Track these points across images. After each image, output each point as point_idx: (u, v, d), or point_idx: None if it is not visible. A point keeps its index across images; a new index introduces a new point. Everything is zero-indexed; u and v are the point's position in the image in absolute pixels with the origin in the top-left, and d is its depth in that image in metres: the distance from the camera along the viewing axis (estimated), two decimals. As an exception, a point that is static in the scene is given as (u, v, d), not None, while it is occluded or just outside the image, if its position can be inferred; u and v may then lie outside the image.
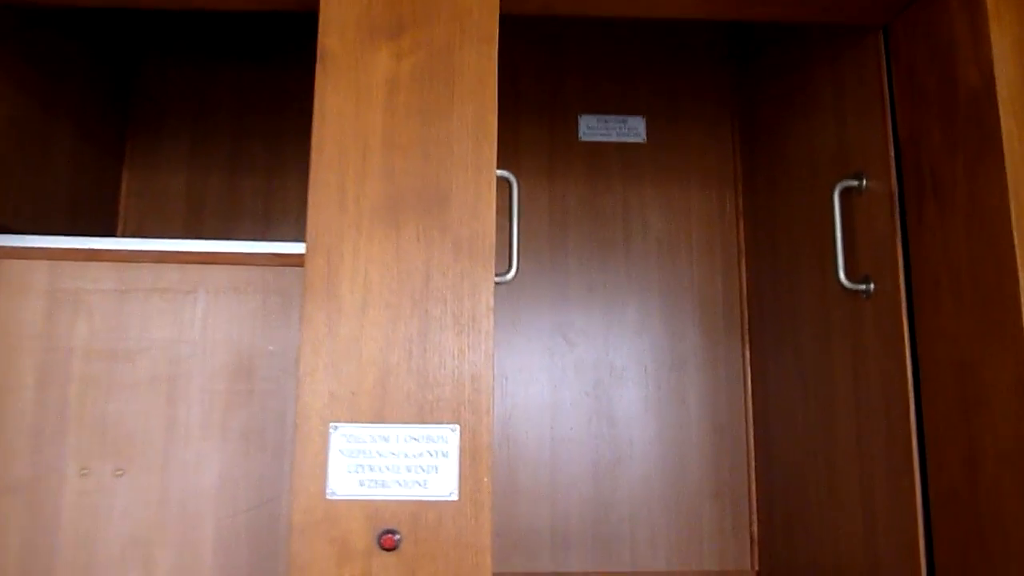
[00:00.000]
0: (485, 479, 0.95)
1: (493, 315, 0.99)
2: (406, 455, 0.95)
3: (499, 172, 1.10)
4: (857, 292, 1.34)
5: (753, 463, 1.86)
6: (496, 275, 1.00)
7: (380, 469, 0.95)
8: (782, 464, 1.71)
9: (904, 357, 1.20)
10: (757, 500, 1.84)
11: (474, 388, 0.97)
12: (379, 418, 0.95)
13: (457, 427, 0.95)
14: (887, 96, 1.29)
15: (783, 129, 1.70)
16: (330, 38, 1.03)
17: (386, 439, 0.95)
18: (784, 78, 1.69)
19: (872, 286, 1.31)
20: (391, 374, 0.97)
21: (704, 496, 1.84)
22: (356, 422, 0.95)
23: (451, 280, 0.99)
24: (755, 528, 1.83)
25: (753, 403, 1.87)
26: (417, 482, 0.95)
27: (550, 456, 1.81)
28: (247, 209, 1.95)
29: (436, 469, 0.95)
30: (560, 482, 1.81)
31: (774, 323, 1.76)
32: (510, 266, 1.27)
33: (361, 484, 0.94)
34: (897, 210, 1.24)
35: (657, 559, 1.80)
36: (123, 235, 1.93)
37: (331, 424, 0.95)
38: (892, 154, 1.26)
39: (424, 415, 0.96)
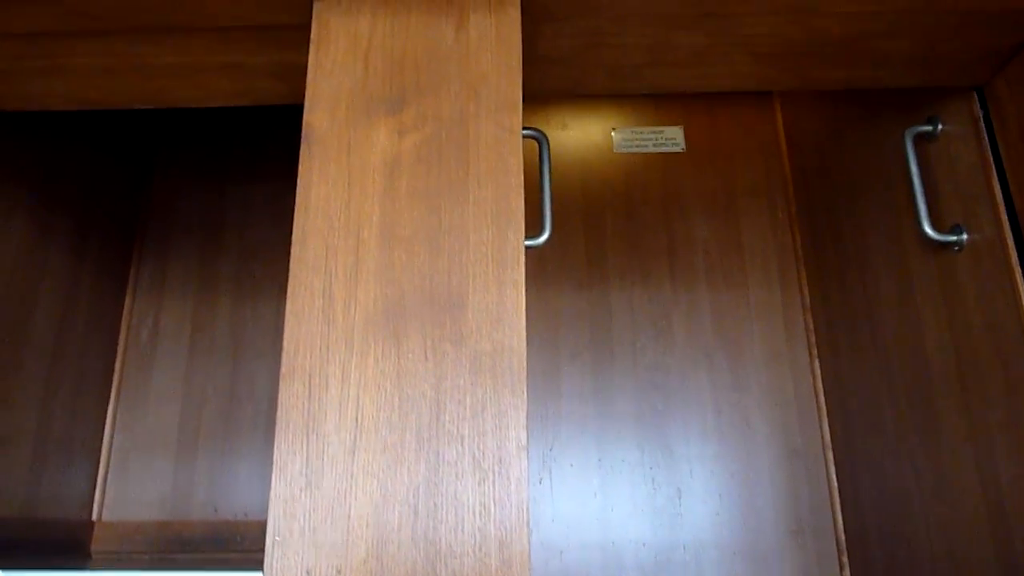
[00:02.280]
0: None
1: (527, 455, 0.74)
2: (410, 660, 0.68)
3: (526, 131, 0.94)
4: (947, 244, 1.15)
5: (836, 489, 1.57)
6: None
7: None
8: (873, 483, 1.40)
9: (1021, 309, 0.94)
10: (846, 533, 1.53)
11: (503, 559, 0.70)
12: (373, 606, 0.69)
13: (481, 617, 0.68)
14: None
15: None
16: (317, 115, 0.85)
17: (382, 637, 0.68)
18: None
19: (964, 236, 1.12)
20: (389, 541, 0.71)
21: (781, 533, 1.56)
22: (342, 612, 0.69)
23: (469, 410, 0.75)
24: (847, 573, 1.52)
25: (829, 420, 1.61)
26: None
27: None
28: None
29: None
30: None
31: (843, 317, 1.54)
32: (542, 228, 1.11)
33: None
34: (987, 143, 1.06)
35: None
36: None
37: (307, 616, 0.69)
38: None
39: (435, 600, 0.69)
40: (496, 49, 0.88)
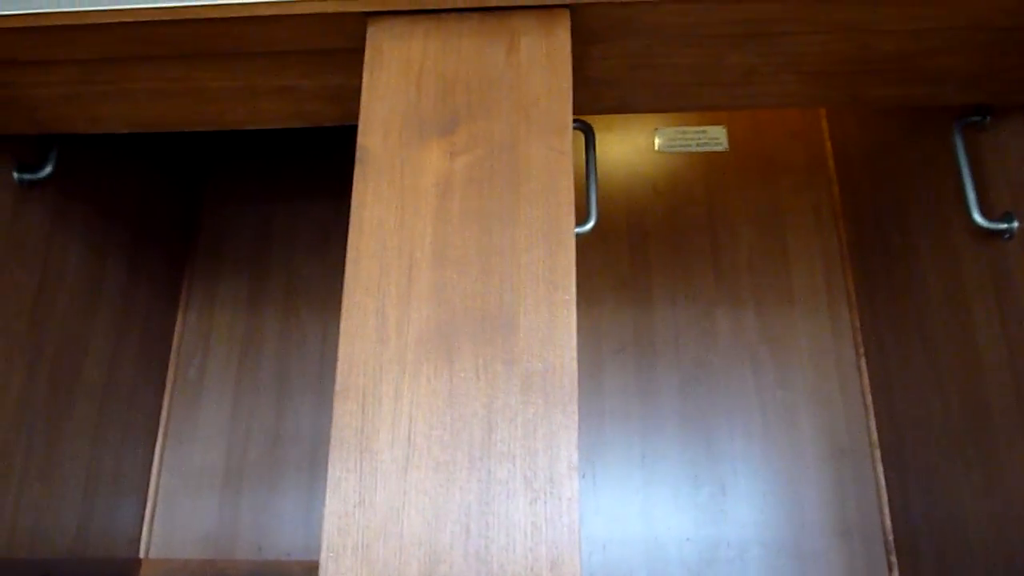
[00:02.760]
0: None
1: (578, 475, 0.74)
2: None
3: (574, 123, 0.97)
4: (997, 233, 1.14)
5: (884, 489, 1.55)
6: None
7: None
8: (922, 483, 1.38)
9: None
10: (895, 538, 1.50)
11: (555, 580, 0.70)
12: (425, 624, 0.70)
13: (533, 638, 0.68)
14: None
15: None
16: (370, 137, 0.87)
17: (435, 655, 0.69)
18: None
19: (1015, 224, 1.11)
20: (441, 560, 0.71)
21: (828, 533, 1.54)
22: (394, 629, 0.69)
23: (521, 429, 0.75)
24: (896, 575, 1.49)
25: (876, 419, 1.59)
26: None
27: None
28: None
29: None
30: None
31: (890, 314, 1.52)
32: (588, 216, 1.12)
33: None
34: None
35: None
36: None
37: (361, 632, 0.69)
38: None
39: (487, 620, 0.69)
40: (546, 72, 0.89)
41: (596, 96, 1.12)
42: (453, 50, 0.91)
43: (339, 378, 0.77)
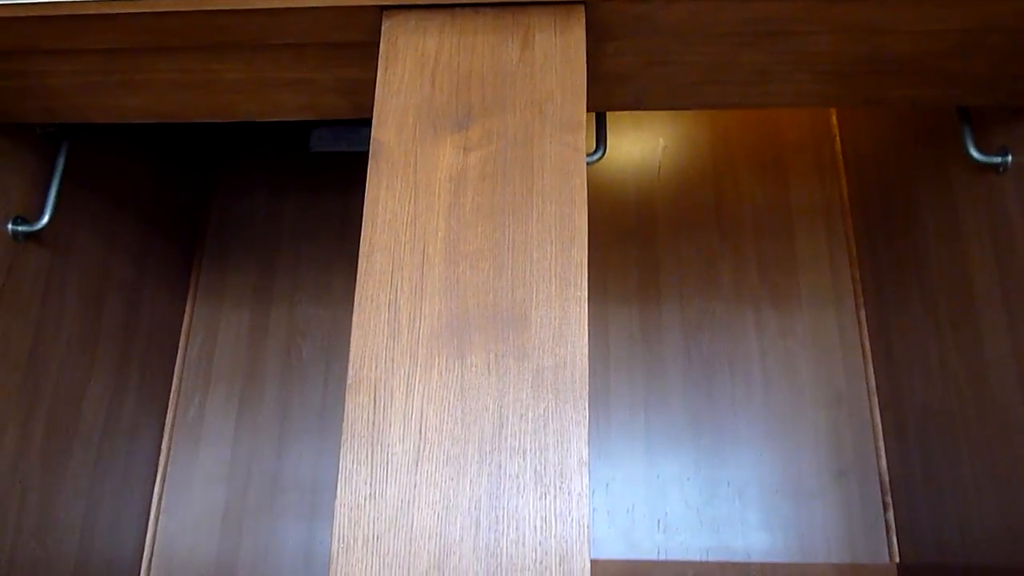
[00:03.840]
0: None
1: (588, 470, 0.75)
2: (470, 672, 0.68)
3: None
4: (992, 167, 1.17)
5: (881, 432, 1.61)
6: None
7: None
8: (917, 424, 1.42)
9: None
10: (891, 479, 1.56)
11: (564, 573, 0.71)
12: (435, 616, 0.70)
13: (541, 632, 0.69)
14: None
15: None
16: (384, 131, 0.87)
17: (443, 647, 0.69)
18: None
19: (1010, 158, 1.13)
20: (451, 553, 0.72)
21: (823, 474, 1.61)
22: (404, 621, 0.70)
23: (531, 424, 0.75)
24: (891, 514, 1.55)
25: (875, 366, 1.65)
26: None
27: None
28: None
29: None
30: None
31: (890, 265, 1.56)
32: (598, 145, 1.15)
33: None
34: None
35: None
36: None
37: (370, 623, 0.70)
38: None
39: (496, 613, 0.70)
40: (561, 68, 0.89)
41: (610, 92, 1.12)
42: (468, 45, 0.91)
43: (351, 371, 0.78)
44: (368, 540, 0.73)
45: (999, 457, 1.18)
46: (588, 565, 0.71)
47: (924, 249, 1.42)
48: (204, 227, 1.94)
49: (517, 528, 0.72)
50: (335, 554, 0.72)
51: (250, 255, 1.91)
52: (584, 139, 0.86)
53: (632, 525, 1.62)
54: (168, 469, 1.74)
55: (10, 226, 1.26)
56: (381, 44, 0.92)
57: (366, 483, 0.74)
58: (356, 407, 0.77)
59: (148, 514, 1.71)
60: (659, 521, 1.62)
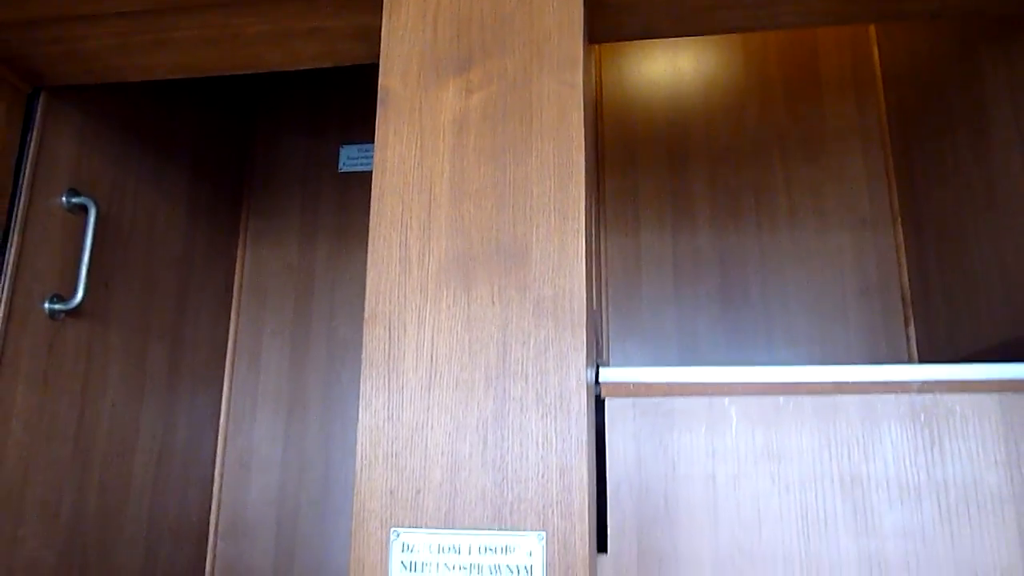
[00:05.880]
0: (582, 602, 0.75)
1: (587, 392, 0.80)
2: (480, 570, 0.76)
3: None
4: None
5: (903, 252, 1.70)
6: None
7: (451, 586, 0.77)
8: (936, 245, 1.52)
9: None
10: (912, 291, 1.67)
11: (564, 486, 0.77)
12: (448, 523, 0.78)
13: (543, 535, 0.76)
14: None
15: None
16: (391, 78, 0.91)
17: (457, 550, 0.77)
18: None
19: None
20: (462, 467, 0.79)
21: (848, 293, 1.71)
22: (421, 527, 0.78)
23: (533, 351, 0.81)
24: (912, 328, 1.67)
25: (898, 189, 1.73)
26: (496, 605, 0.76)
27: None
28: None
29: (518, 589, 0.75)
30: None
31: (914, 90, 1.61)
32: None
33: (429, 605, 0.77)
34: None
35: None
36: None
37: (392, 529, 0.78)
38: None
39: (502, 519, 0.77)
40: (558, 5, 0.90)
41: (618, 23, 1.13)
42: (468, -12, 0.94)
43: (367, 307, 0.85)
44: (388, 457, 0.80)
45: (1005, 249, 1.23)
46: (586, 476, 0.77)
47: (944, 84, 1.45)
48: (238, 291, 2.00)
49: (521, 444, 0.79)
50: (359, 470, 0.80)
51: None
52: (581, 75, 0.88)
53: (662, 343, 1.72)
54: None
55: (47, 305, 1.30)
56: (385, -9, 0.95)
57: (384, 407, 0.82)
58: (373, 339, 0.83)
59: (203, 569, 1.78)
60: (687, 338, 1.72)
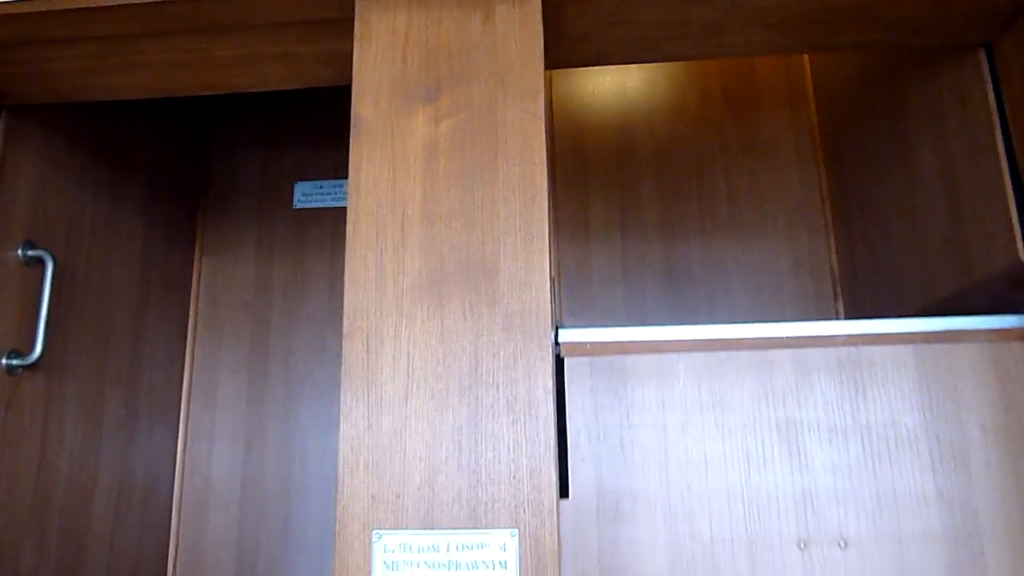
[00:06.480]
0: (552, 593, 0.81)
1: (553, 399, 0.87)
2: (458, 566, 0.82)
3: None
4: None
5: (832, 234, 1.86)
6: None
7: (430, 583, 0.82)
8: (862, 229, 1.66)
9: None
10: (840, 272, 1.82)
11: (533, 485, 0.84)
12: (427, 524, 0.84)
13: (516, 532, 0.82)
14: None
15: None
16: (363, 106, 0.97)
17: (436, 548, 0.83)
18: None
19: None
20: (439, 472, 0.85)
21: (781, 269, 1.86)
22: (402, 528, 0.84)
23: (503, 362, 0.87)
24: (840, 303, 1.81)
25: (827, 171, 1.88)
26: (473, 598, 0.81)
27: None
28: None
29: (494, 583, 0.81)
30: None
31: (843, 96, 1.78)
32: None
33: (410, 601, 0.82)
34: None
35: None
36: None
37: (374, 531, 0.84)
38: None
39: (478, 518, 0.83)
40: (520, 38, 0.97)
41: (572, 51, 1.20)
42: (434, 20, 1.00)
43: (346, 322, 0.90)
44: (368, 464, 0.86)
45: (919, 216, 1.36)
46: (555, 477, 0.84)
47: (868, 72, 1.58)
48: (193, 331, 1.99)
49: (494, 449, 0.85)
50: (342, 476, 0.85)
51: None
52: (542, 105, 0.95)
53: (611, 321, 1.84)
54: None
55: (4, 361, 1.28)
56: (356, 23, 1.01)
57: (364, 417, 0.87)
58: (352, 352, 0.89)
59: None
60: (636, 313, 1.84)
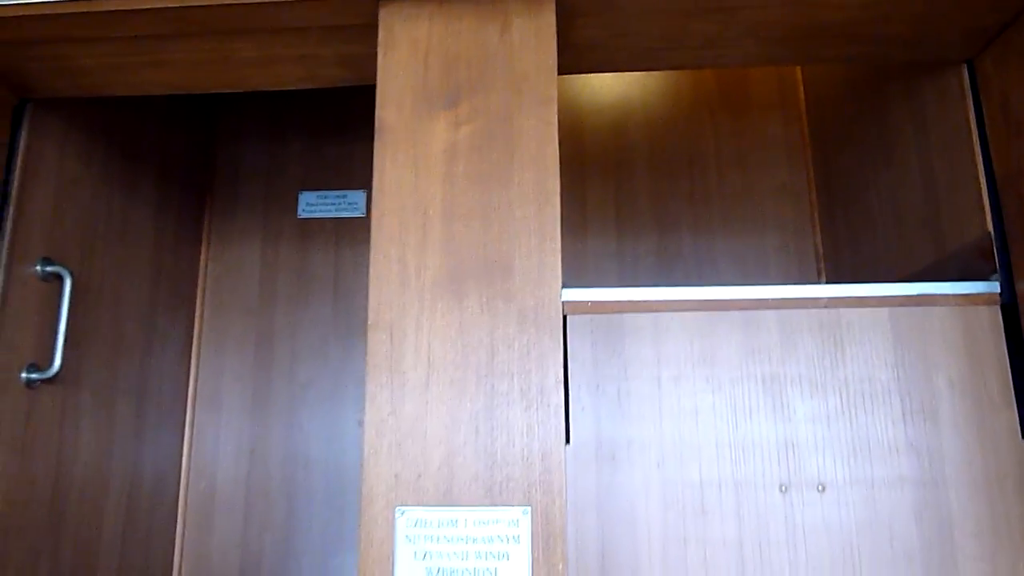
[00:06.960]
0: (560, 566, 0.89)
1: (563, 388, 0.94)
2: (475, 540, 0.89)
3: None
4: None
5: (817, 213, 1.96)
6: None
7: (448, 556, 0.89)
8: (845, 209, 1.76)
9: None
10: (824, 248, 1.92)
11: (545, 467, 0.91)
12: (446, 501, 0.91)
13: (528, 510, 0.89)
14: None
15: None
16: (387, 111, 1.03)
17: (454, 523, 0.90)
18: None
19: None
20: (457, 454, 0.92)
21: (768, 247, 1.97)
22: (422, 505, 0.90)
23: (517, 352, 0.94)
24: (824, 279, 1.92)
25: (813, 160, 1.99)
26: (487, 570, 0.89)
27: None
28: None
29: (507, 556, 0.89)
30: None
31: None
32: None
33: (428, 572, 0.89)
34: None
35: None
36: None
37: (397, 508, 0.90)
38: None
39: (493, 497, 0.90)
40: (535, 50, 1.03)
41: (580, 58, 1.26)
42: (454, 30, 1.06)
43: (371, 315, 0.96)
44: (391, 446, 0.92)
45: (899, 199, 1.45)
46: (564, 460, 0.91)
47: (856, 82, 1.68)
48: (199, 337, 2.03)
49: (508, 434, 0.92)
50: (367, 457, 0.92)
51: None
52: (556, 113, 1.02)
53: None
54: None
55: (24, 375, 1.32)
56: (379, 32, 1.06)
57: (387, 403, 0.93)
58: (376, 343, 0.95)
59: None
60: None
